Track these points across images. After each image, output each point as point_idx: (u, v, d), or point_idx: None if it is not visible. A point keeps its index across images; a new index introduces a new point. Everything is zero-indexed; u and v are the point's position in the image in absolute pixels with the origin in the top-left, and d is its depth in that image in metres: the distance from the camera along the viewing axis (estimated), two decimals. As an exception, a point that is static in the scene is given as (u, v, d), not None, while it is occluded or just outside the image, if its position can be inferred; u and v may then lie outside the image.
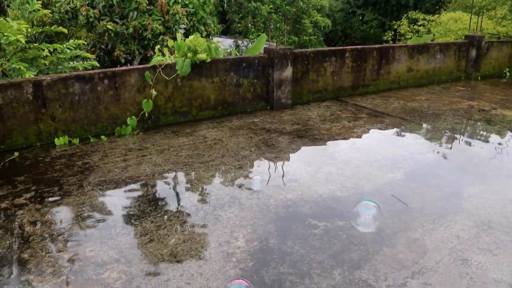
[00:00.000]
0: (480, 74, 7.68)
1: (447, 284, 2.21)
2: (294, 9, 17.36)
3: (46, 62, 4.87)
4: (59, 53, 4.97)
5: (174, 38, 6.50)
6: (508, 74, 7.99)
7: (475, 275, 2.28)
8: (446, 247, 2.54)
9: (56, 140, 4.17)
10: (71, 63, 5.28)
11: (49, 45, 4.76)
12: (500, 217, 2.87)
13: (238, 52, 8.29)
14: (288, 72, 5.41)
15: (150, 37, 7.43)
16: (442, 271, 2.32)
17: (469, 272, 2.31)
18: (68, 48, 5.07)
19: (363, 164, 3.74)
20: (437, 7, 18.78)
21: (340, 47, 6.25)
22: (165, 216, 2.85)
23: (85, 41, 6.99)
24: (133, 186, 3.31)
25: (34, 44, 4.75)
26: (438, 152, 4.10)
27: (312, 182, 3.38)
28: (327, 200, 3.09)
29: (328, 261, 2.39)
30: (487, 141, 4.40)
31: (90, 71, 4.39)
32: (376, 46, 6.48)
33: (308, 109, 5.54)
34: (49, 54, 4.78)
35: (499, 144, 4.32)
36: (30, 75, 4.27)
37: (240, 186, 3.31)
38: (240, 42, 13.38)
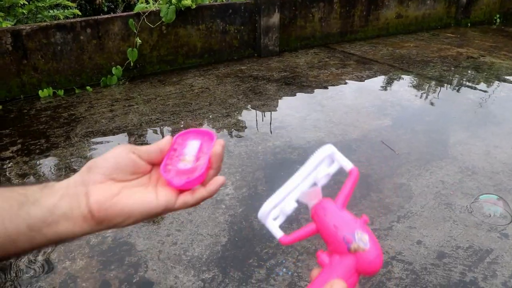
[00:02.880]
0: (470, 21, 7.59)
1: (431, 227, 2.28)
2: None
3: (24, 11, 4.68)
4: (38, 1, 4.77)
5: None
6: (498, 20, 7.90)
7: (458, 218, 2.35)
8: (431, 192, 2.59)
9: (40, 92, 4.08)
10: (51, 11, 5.09)
11: (26, -8, 4.57)
12: (484, 163, 2.92)
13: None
14: (275, 18, 5.29)
15: (132, -17, 7.17)
16: (426, 215, 2.38)
17: (452, 216, 2.37)
18: (47, -4, 4.88)
19: (351, 111, 3.74)
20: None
21: (329, -7, 6.10)
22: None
23: (65, -12, 6.71)
24: (120, 136, 3.29)
25: (10, -8, 4.56)
26: (425, 99, 4.11)
27: (300, 129, 3.39)
28: (315, 147, 3.09)
29: (316, 206, 2.43)
30: (475, 89, 4.41)
31: (72, 20, 4.24)
32: (366, -9, 6.33)
33: (296, 56, 5.47)
34: (26, 3, 4.60)
35: (486, 91, 4.34)
36: (7, 24, 4.12)
37: (228, 134, 3.31)
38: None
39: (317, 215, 0.55)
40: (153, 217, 0.60)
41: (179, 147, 0.66)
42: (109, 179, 0.59)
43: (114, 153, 0.62)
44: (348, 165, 0.58)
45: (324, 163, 0.59)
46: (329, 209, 0.55)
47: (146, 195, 0.60)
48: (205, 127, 3.43)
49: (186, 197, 0.62)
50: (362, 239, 0.51)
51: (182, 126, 3.43)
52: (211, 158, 0.62)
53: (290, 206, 0.58)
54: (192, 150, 0.65)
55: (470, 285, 1.91)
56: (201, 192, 0.62)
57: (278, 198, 0.57)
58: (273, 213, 0.58)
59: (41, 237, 0.56)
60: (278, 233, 0.57)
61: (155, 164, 0.64)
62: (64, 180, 0.60)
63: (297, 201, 0.58)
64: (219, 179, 0.64)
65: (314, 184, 0.59)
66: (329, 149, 0.59)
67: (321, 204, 0.56)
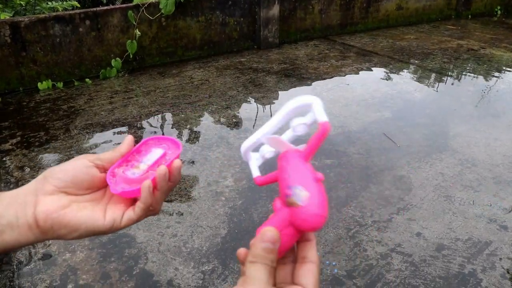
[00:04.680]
0: (470, 13, 7.55)
1: (430, 219, 2.28)
2: None
3: (22, 3, 4.66)
4: (36, -8, 4.75)
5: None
6: (499, 12, 7.86)
7: (457, 211, 2.35)
8: (430, 184, 2.60)
9: (39, 84, 4.07)
10: (49, 3, 5.06)
11: (24, -17, 4.54)
12: (484, 155, 2.92)
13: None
14: (275, 10, 5.27)
15: (131, -26, 7.12)
16: (426, 207, 2.38)
17: (451, 208, 2.38)
18: (45, -13, 4.85)
19: (351, 103, 3.74)
20: None
21: (329, -16, 6.07)
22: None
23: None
24: (120, 128, 3.29)
25: (7, -17, 4.53)
26: (425, 91, 4.11)
27: (300, 122, 3.37)
28: (314, 140, 3.10)
29: (316, 199, 2.43)
30: (475, 81, 4.40)
31: (70, 12, 4.22)
32: (366, -18, 6.30)
33: (295, 48, 5.45)
34: (25, -6, 4.58)
35: (487, 83, 4.33)
36: (5, 16, 4.09)
37: (227, 126, 3.30)
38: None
39: (279, 162, 0.57)
40: (99, 234, 0.61)
41: (144, 150, 0.68)
42: (61, 191, 0.61)
43: (74, 165, 0.63)
44: (321, 118, 0.56)
45: (302, 112, 0.59)
46: (290, 159, 0.55)
47: (94, 213, 0.60)
48: (205, 119, 3.42)
49: (129, 213, 0.62)
50: (300, 195, 0.50)
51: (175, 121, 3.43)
52: (157, 178, 0.62)
53: (269, 152, 0.62)
54: (151, 158, 0.66)
55: (469, 277, 1.92)
56: (139, 205, 0.62)
57: (255, 137, 0.60)
58: (254, 154, 0.62)
59: None
60: (255, 173, 0.61)
61: None
62: (17, 188, 0.61)
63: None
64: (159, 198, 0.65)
65: (292, 131, 0.60)
66: (308, 99, 0.57)
67: (285, 153, 0.57)
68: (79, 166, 0.63)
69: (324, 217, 0.50)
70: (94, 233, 0.60)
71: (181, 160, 0.66)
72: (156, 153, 0.67)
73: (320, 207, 0.50)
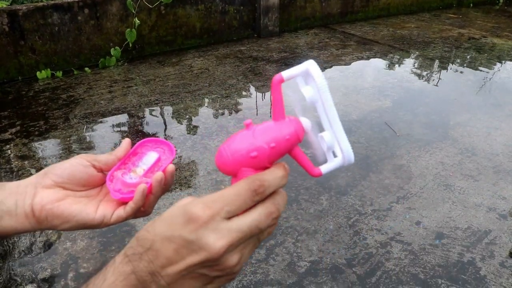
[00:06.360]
0: (472, 1, 7.50)
1: (430, 208, 2.29)
2: None
3: (20, -9, 4.63)
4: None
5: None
6: (501, 0, 7.80)
7: (457, 200, 2.36)
8: (430, 173, 2.60)
9: (38, 73, 4.05)
10: (48, -9, 5.02)
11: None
12: (484, 144, 2.92)
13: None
14: (275, -2, 5.23)
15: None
16: (426, 196, 2.38)
17: (451, 197, 2.38)
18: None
19: (351, 92, 3.73)
20: None
21: (329, -28, 6.02)
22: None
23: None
24: (119, 117, 3.28)
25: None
26: (426, 81, 4.09)
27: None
28: (315, 128, 3.10)
29: (316, 187, 2.44)
30: (476, 70, 4.38)
31: (69, 0, 4.19)
32: (367, -30, 6.25)
33: (295, 37, 5.42)
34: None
35: (487, 73, 4.31)
36: (2, 5, 4.07)
37: (227, 115, 3.30)
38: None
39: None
40: (90, 228, 0.66)
41: (141, 153, 0.70)
42: (58, 186, 0.65)
43: (72, 163, 0.67)
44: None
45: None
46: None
47: (87, 208, 0.64)
48: (204, 108, 3.42)
49: (119, 212, 0.66)
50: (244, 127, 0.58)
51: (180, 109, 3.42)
52: (152, 183, 0.65)
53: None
54: (147, 162, 0.69)
55: (468, 266, 1.92)
56: (130, 205, 0.65)
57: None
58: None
59: None
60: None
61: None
62: (20, 180, 0.65)
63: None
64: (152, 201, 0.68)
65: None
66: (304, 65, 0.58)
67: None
68: (77, 165, 0.67)
69: (221, 155, 0.56)
70: (85, 226, 0.64)
71: (174, 164, 0.68)
72: (151, 157, 0.69)
73: (227, 147, 0.56)
